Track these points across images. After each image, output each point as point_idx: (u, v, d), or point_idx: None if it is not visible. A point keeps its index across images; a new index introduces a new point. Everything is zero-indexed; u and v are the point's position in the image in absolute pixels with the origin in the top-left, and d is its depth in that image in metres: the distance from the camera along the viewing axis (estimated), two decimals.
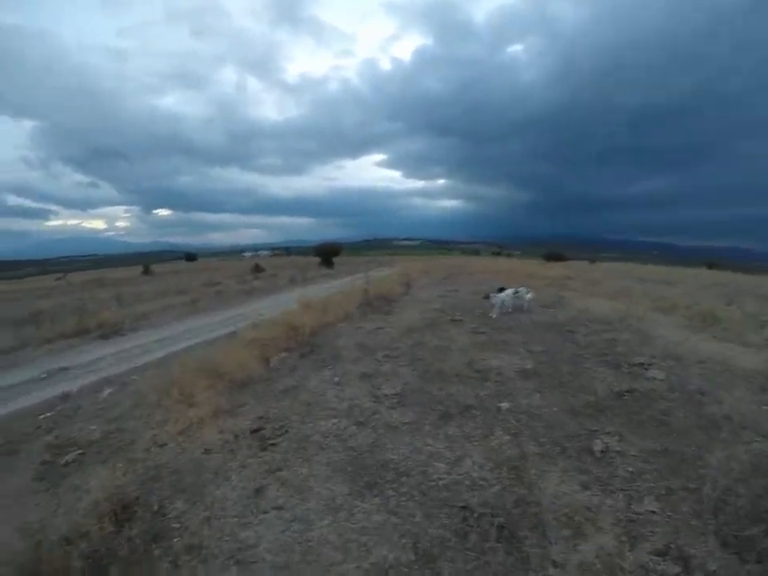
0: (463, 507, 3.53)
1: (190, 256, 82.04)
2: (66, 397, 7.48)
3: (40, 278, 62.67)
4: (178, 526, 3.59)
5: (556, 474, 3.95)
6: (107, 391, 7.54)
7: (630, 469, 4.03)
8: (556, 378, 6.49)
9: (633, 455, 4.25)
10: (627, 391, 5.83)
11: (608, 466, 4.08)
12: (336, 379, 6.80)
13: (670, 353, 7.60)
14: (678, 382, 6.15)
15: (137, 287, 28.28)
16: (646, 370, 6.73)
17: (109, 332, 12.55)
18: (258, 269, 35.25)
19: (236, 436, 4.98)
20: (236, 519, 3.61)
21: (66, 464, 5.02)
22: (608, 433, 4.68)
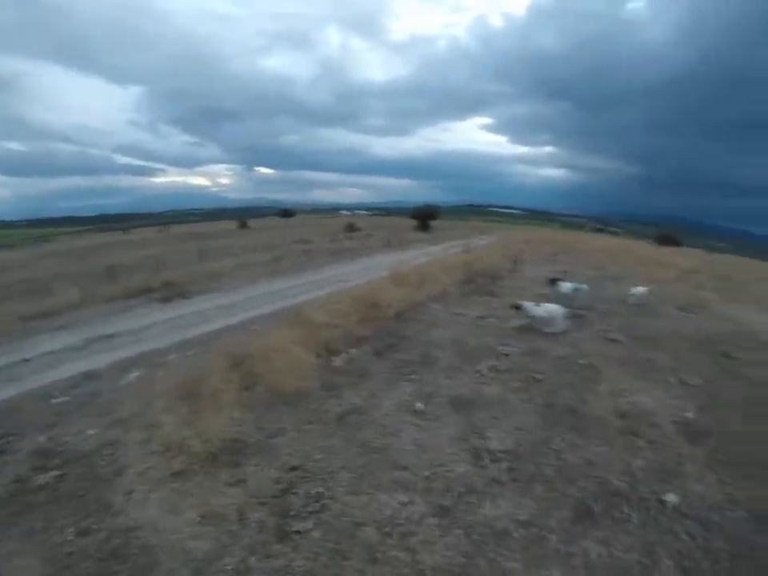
0: None
1: (287, 212, 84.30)
2: (89, 376, 6.90)
3: (144, 230, 70.10)
4: None
5: None
6: (134, 374, 6.72)
7: None
8: (734, 444, 4.44)
9: None
10: None
11: None
12: (419, 405, 5.10)
13: None
14: None
15: (227, 240, 29.47)
16: None
17: (172, 293, 12.19)
18: (352, 228, 35.41)
19: (247, 500, 3.63)
20: None
21: (38, 488, 4.14)
22: None
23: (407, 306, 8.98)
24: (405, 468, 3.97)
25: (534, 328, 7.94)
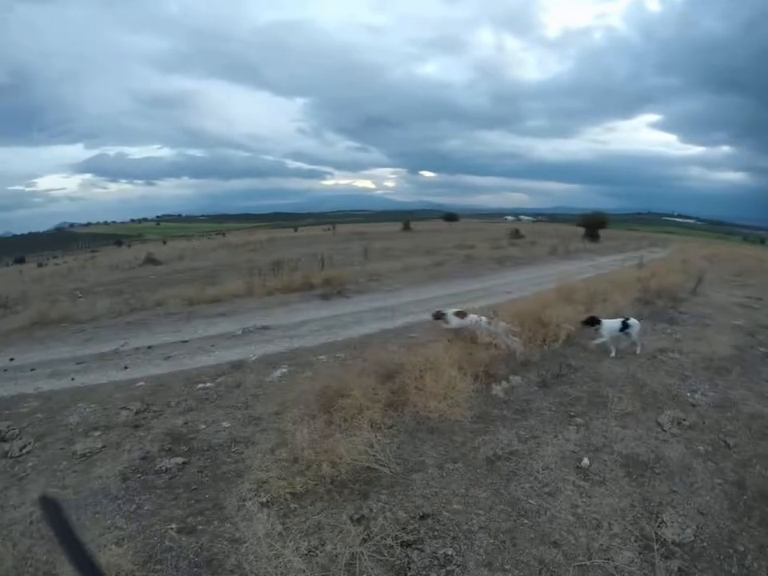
0: None
1: (450, 216, 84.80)
2: (237, 366, 7.16)
3: (312, 228, 76.16)
4: None
5: None
6: (280, 371, 6.80)
7: None
8: None
9: None
10: None
11: None
12: (585, 461, 4.14)
13: None
14: None
15: (390, 242, 30.28)
16: None
17: (331, 291, 12.58)
18: (516, 234, 35.41)
19: (364, 546, 3.04)
20: None
21: (160, 471, 4.18)
22: None
23: (576, 328, 7.92)
24: (556, 545, 3.13)
25: (728, 368, 6.43)
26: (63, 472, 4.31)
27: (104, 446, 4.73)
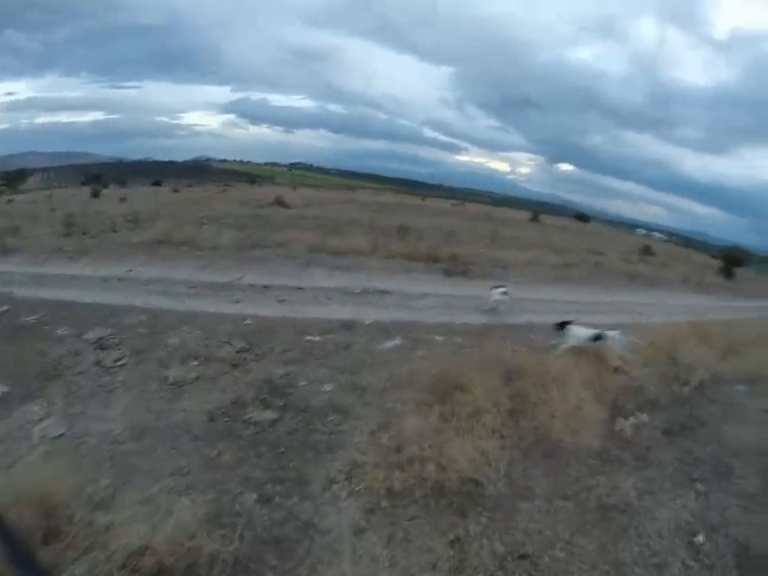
0: None
1: (582, 216, 79.74)
2: (349, 326, 6.77)
3: (440, 201, 75.35)
4: None
5: None
6: (393, 342, 6.31)
7: None
8: None
9: None
10: None
11: None
12: (699, 538, 3.18)
13: None
14: None
15: (518, 231, 28.78)
16: None
17: (455, 269, 11.91)
18: (647, 251, 32.24)
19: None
20: None
21: (248, 423, 3.84)
22: None
23: (708, 376, 6.68)
24: None
25: None
26: (150, 395, 4.13)
27: (197, 378, 4.56)
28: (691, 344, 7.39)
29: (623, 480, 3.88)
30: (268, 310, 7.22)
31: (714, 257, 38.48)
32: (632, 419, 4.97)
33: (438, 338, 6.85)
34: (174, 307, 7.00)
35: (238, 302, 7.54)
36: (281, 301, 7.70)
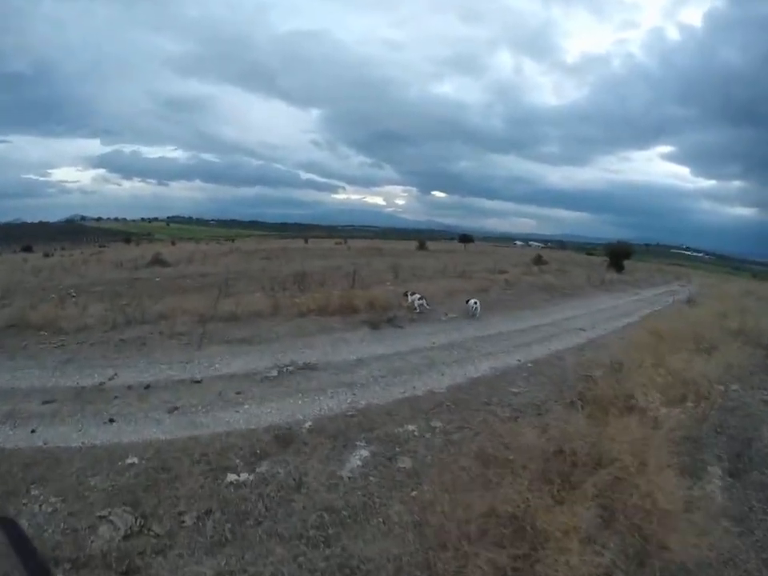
0: None
1: (466, 237, 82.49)
2: (286, 438, 4.65)
3: (323, 241, 75.21)
4: None
5: None
6: (357, 455, 4.34)
7: None
8: None
9: None
10: None
11: None
12: None
13: None
14: None
15: (412, 260, 28.03)
16: None
17: (379, 318, 10.05)
18: (540, 260, 34.36)
19: None
20: None
21: None
22: None
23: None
24: None
25: None
26: None
27: None
28: (666, 353, 6.75)
29: None
30: (158, 428, 4.96)
31: (607, 254, 41.03)
32: (716, 481, 3.76)
33: (410, 428, 5.06)
34: (18, 444, 4.65)
35: (112, 420, 5.17)
36: (173, 409, 5.43)
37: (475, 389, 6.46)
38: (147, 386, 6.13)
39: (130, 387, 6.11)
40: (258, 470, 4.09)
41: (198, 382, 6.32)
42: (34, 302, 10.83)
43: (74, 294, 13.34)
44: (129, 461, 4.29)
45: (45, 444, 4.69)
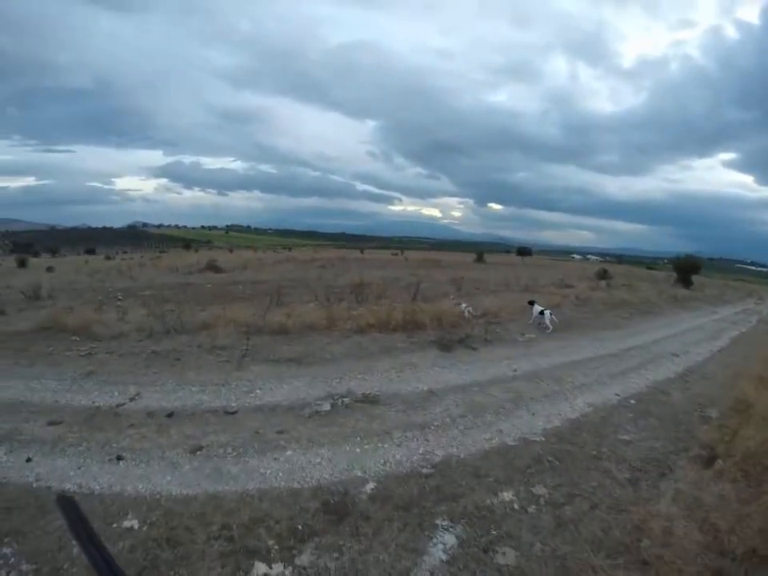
0: None
1: (524, 250, 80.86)
2: (340, 510, 3.41)
3: (379, 252, 75.18)
4: None
5: None
6: (440, 544, 3.09)
7: None
8: None
9: None
10: None
11: None
12: None
13: None
14: None
15: (471, 273, 26.68)
16: None
17: (449, 338, 8.69)
18: (605, 274, 32.58)
19: None
20: None
21: None
22: None
23: None
24: None
25: None
26: None
27: None
28: None
29: None
30: (172, 477, 3.82)
31: (650, 268, 40.86)
32: None
33: (506, 495, 3.71)
34: (8, 475, 3.79)
35: (120, 458, 4.09)
36: (196, 449, 4.28)
37: (578, 435, 5.03)
38: (170, 414, 5.04)
39: (150, 414, 5.04)
40: (297, 560, 2.84)
41: (233, 413, 5.16)
42: (76, 304, 10.35)
43: (121, 298, 12.92)
44: (127, 523, 3.16)
45: (36, 481, 3.68)
